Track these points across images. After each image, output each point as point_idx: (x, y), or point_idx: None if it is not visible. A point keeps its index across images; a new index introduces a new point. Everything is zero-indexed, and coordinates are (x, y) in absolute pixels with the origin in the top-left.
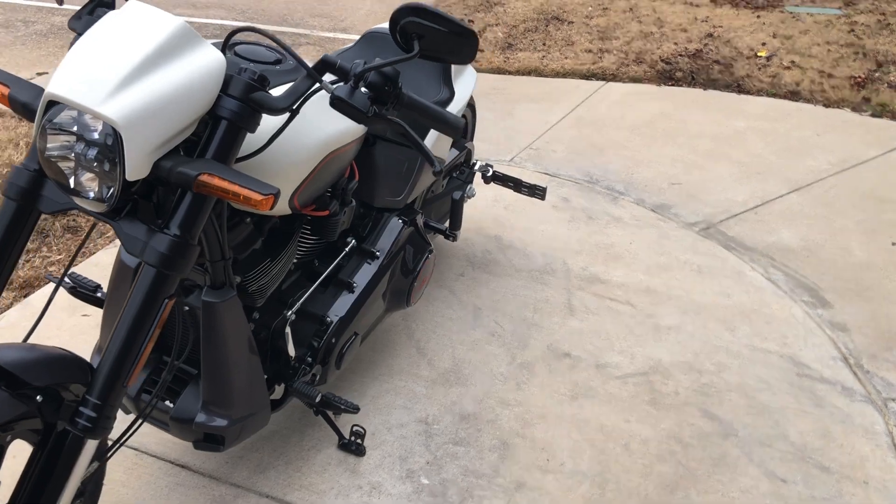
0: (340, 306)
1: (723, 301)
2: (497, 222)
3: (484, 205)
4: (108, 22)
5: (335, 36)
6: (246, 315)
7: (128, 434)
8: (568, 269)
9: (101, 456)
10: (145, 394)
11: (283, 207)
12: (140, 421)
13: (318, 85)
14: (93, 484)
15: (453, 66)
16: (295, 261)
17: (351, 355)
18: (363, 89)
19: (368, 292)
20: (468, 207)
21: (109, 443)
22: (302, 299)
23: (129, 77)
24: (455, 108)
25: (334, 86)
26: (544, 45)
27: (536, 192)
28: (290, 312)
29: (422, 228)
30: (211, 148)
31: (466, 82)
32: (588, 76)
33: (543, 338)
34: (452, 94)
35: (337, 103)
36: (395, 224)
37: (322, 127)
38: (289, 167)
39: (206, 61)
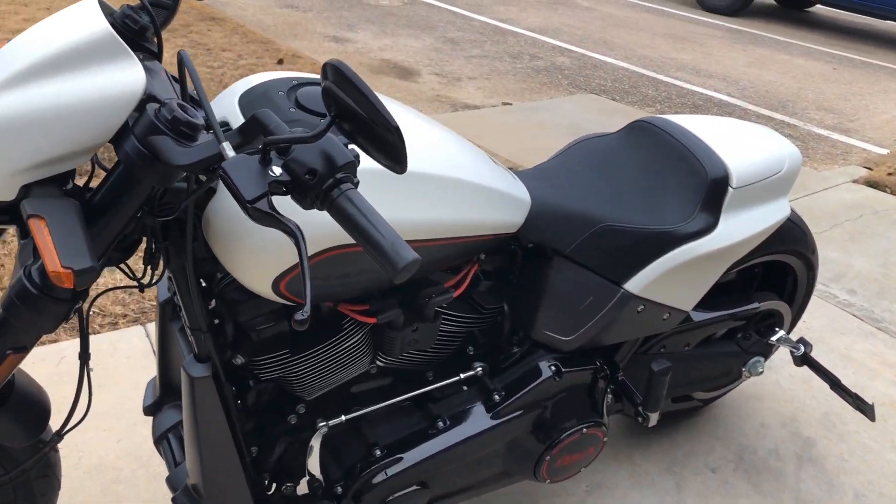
0: (407, 441)
1: None
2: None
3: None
4: (49, 19)
5: (829, 135)
6: (290, 408)
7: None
8: None
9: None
10: (166, 441)
11: (264, 290)
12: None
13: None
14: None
15: (735, 191)
16: (381, 364)
17: None
18: (275, 169)
19: (461, 439)
20: None
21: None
22: (355, 414)
23: (12, 79)
24: (709, 245)
25: (234, 152)
26: None
27: (863, 406)
28: (323, 423)
29: (600, 391)
30: (98, 192)
31: (759, 217)
32: None
33: None
34: (713, 224)
35: (221, 175)
36: (540, 368)
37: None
38: (269, 242)
39: (120, 83)
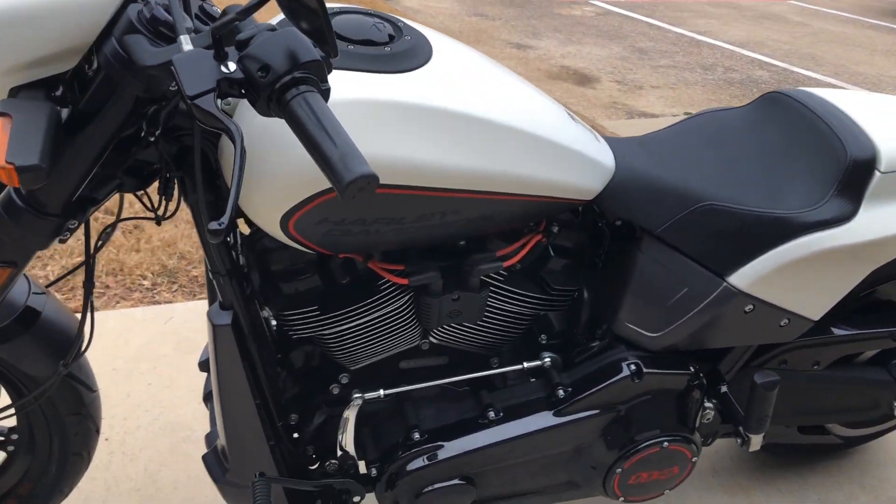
0: (452, 428)
1: None
2: None
3: None
4: None
5: None
6: (334, 376)
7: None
8: None
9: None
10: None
11: (273, 228)
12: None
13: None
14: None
15: (884, 176)
16: (434, 341)
17: None
18: (229, 65)
19: (514, 435)
20: None
21: None
22: (395, 390)
23: None
24: (843, 238)
25: (187, 47)
26: None
27: None
28: (358, 395)
29: (693, 402)
30: (82, 99)
31: None
32: None
33: None
34: (850, 213)
35: (172, 70)
36: (617, 365)
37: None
38: (279, 174)
39: None
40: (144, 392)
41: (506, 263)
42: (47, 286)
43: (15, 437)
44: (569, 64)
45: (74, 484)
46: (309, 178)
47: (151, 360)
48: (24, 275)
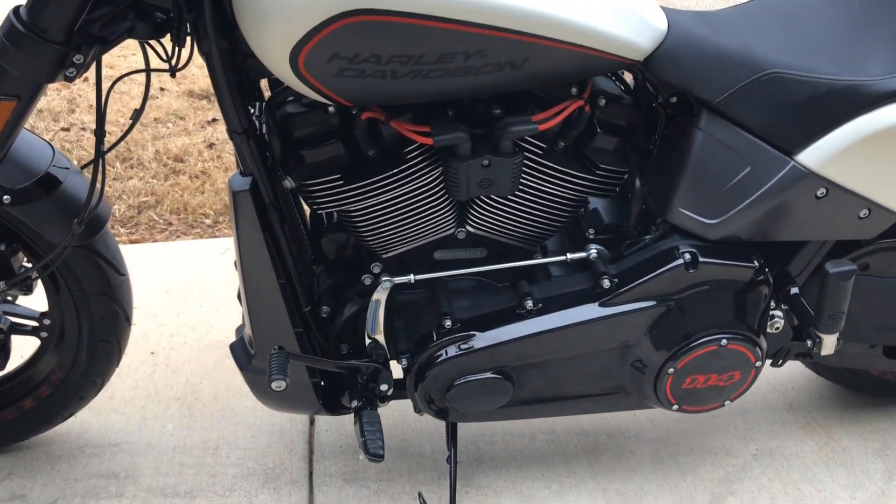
0: (487, 318)
1: None
2: None
3: None
4: None
5: None
6: (367, 267)
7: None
8: None
9: None
10: None
11: (282, 68)
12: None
13: None
14: None
15: None
16: (471, 229)
17: (477, 404)
18: None
19: (553, 327)
20: None
21: None
22: (427, 276)
23: None
24: None
25: None
26: None
27: None
28: (387, 279)
29: (757, 300)
30: None
31: None
32: None
33: None
34: None
35: None
36: (669, 253)
37: None
38: (286, 3)
39: None
40: (195, 313)
41: (541, 127)
42: (81, 167)
43: (47, 322)
44: None
45: (107, 376)
46: (316, 3)
47: (205, 285)
48: (51, 145)
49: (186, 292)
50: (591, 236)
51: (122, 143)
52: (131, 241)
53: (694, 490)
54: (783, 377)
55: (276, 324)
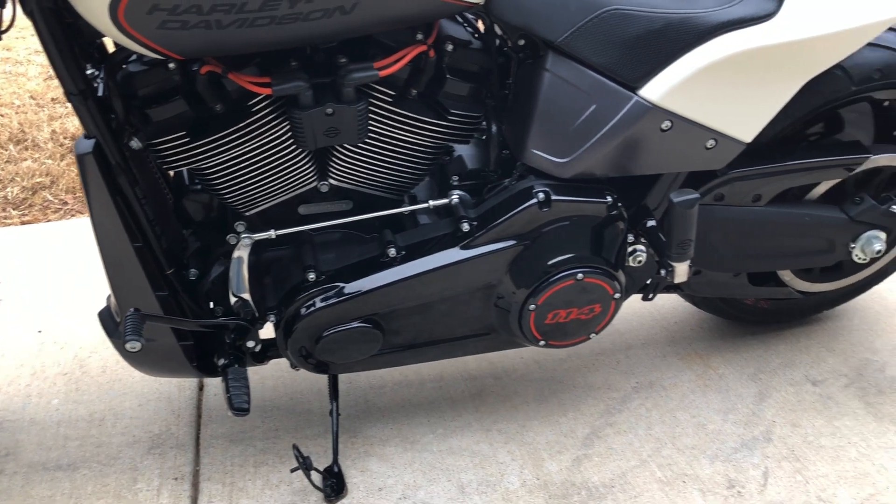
0: (351, 269)
1: None
2: None
3: None
4: None
5: None
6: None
7: None
8: None
9: None
10: None
11: (102, 20)
12: None
13: None
14: None
15: None
16: (334, 182)
17: (348, 353)
18: None
19: (415, 273)
20: None
21: None
22: (287, 230)
23: None
24: (765, 38)
25: None
26: None
27: None
28: (246, 235)
29: (613, 234)
30: None
31: (854, 7)
32: None
33: None
34: (773, 9)
35: None
36: (523, 194)
37: None
38: None
39: None
40: (87, 289)
41: (382, 73)
42: None
43: None
44: None
45: None
46: None
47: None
48: None
49: (81, 269)
50: (455, 182)
51: (17, 125)
52: (23, 223)
53: (574, 424)
54: (666, 312)
55: (136, 288)
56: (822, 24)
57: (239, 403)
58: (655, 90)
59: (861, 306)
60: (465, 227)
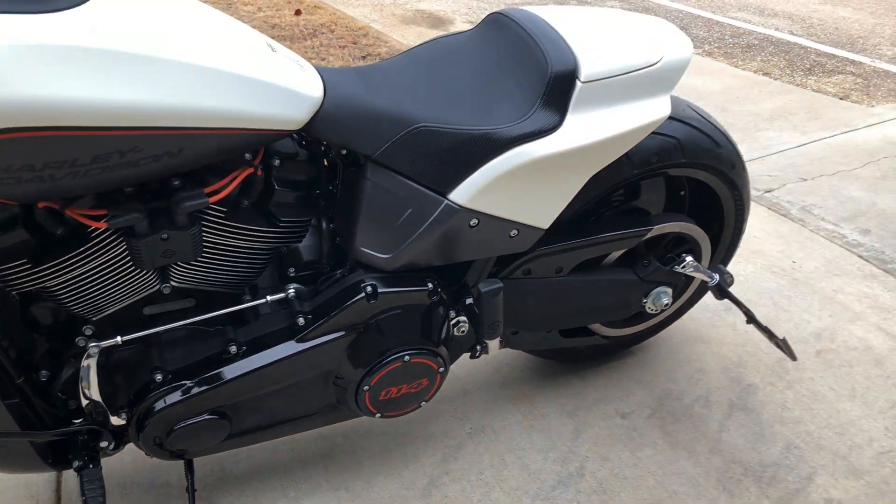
0: (196, 367)
1: None
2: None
3: None
4: None
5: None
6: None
7: None
8: None
9: None
10: None
11: None
12: None
13: None
14: None
15: (585, 86)
16: (176, 284)
17: (199, 442)
18: None
19: (256, 367)
20: None
21: None
22: (133, 336)
23: None
24: (550, 147)
25: None
26: None
27: (778, 343)
28: (94, 345)
29: (436, 316)
30: None
31: (623, 116)
32: None
33: None
34: (556, 123)
35: None
36: (352, 289)
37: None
38: None
39: None
40: None
41: (212, 199)
42: None
43: None
44: (425, 8)
45: None
46: None
47: None
48: None
49: None
50: (292, 273)
51: None
52: None
53: (415, 475)
54: (499, 356)
55: None
56: (598, 132)
57: None
58: (462, 194)
59: (668, 336)
60: (301, 321)
